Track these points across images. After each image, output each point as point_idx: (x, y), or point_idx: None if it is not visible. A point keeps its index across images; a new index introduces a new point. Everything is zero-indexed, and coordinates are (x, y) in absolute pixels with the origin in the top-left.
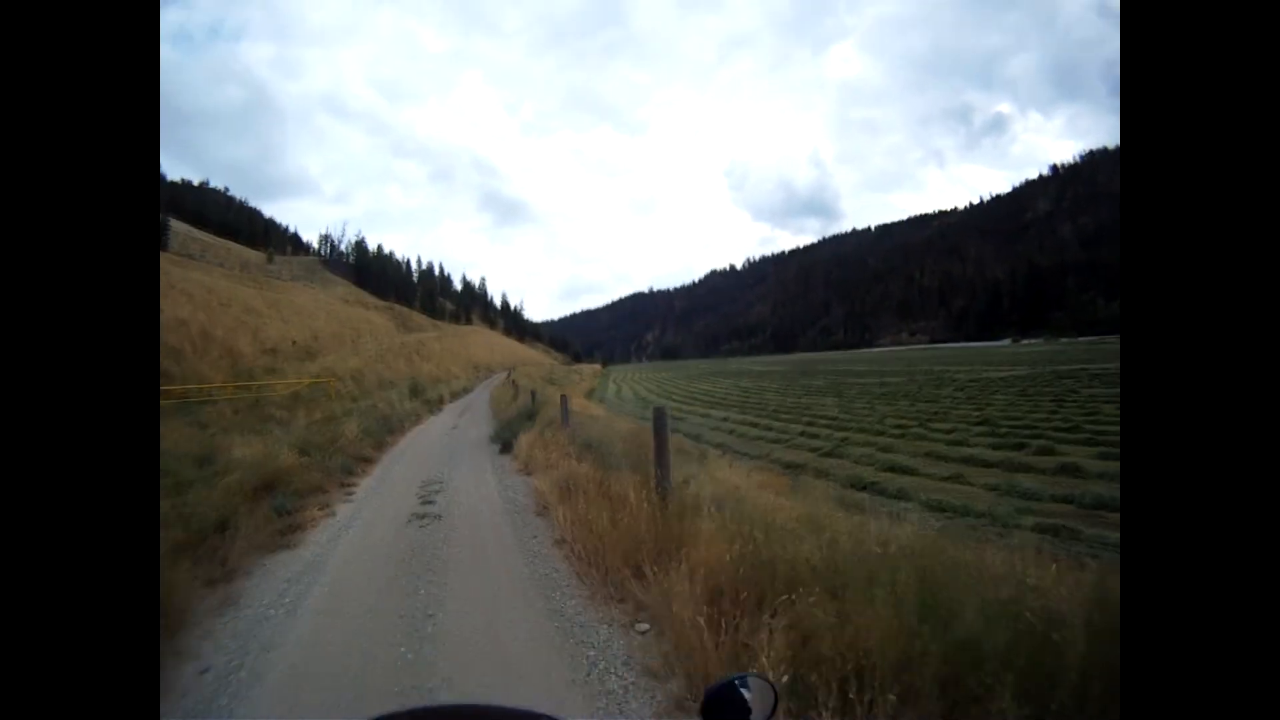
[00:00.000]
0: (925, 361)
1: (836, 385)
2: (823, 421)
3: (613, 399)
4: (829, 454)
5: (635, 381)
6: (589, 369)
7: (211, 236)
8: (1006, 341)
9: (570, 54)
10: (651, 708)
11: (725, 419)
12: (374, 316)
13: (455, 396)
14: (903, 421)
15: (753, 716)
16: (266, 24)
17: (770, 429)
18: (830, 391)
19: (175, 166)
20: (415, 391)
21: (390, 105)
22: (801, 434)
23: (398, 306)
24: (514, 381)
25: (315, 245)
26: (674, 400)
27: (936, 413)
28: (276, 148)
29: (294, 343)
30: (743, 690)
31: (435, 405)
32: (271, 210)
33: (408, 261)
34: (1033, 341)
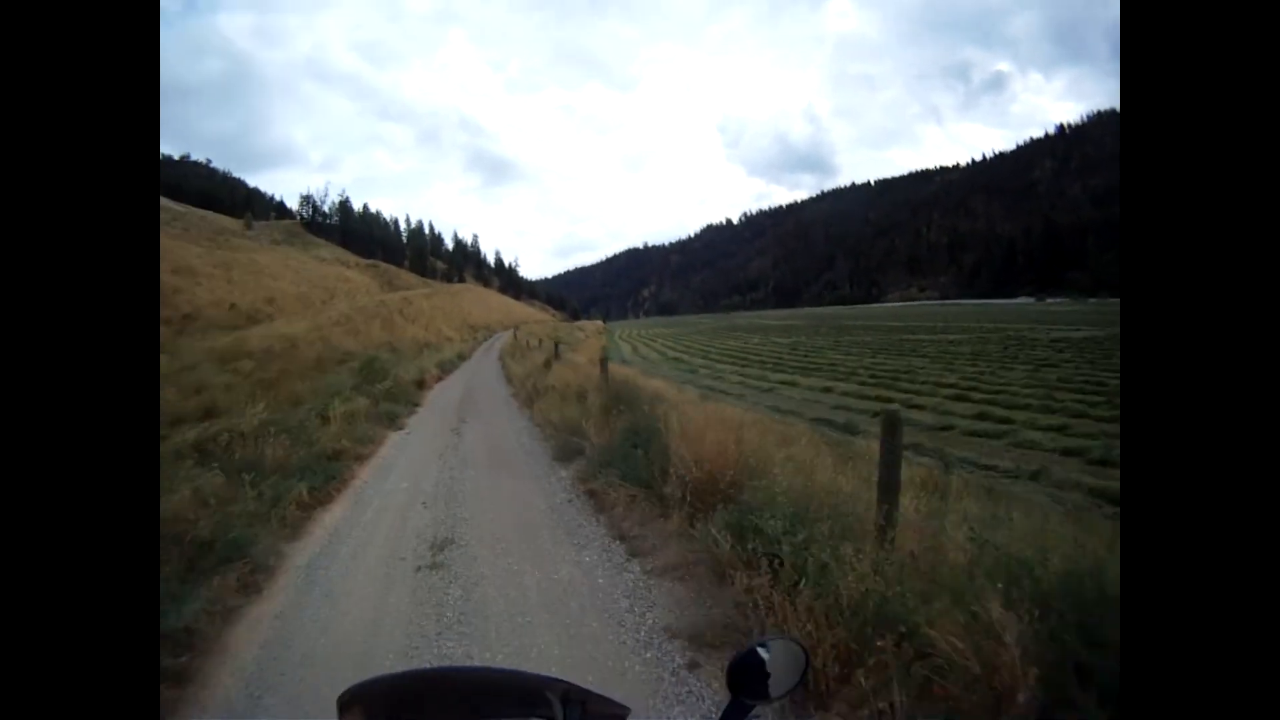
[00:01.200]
0: (959, 318)
1: (900, 344)
2: (982, 397)
3: (639, 360)
4: None
5: (648, 339)
6: (591, 326)
7: (185, 206)
8: (1028, 300)
9: (556, 10)
10: None
11: (827, 390)
12: (354, 275)
13: (447, 370)
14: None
15: (771, 679)
16: None
17: (933, 409)
18: (901, 350)
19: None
20: (371, 376)
21: (374, 68)
22: (1006, 421)
23: (384, 265)
24: (600, 360)
25: (298, 209)
26: (714, 360)
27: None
28: (261, 118)
29: (232, 307)
30: (761, 651)
31: (405, 405)
32: (259, 181)
33: (396, 221)
34: (1059, 300)
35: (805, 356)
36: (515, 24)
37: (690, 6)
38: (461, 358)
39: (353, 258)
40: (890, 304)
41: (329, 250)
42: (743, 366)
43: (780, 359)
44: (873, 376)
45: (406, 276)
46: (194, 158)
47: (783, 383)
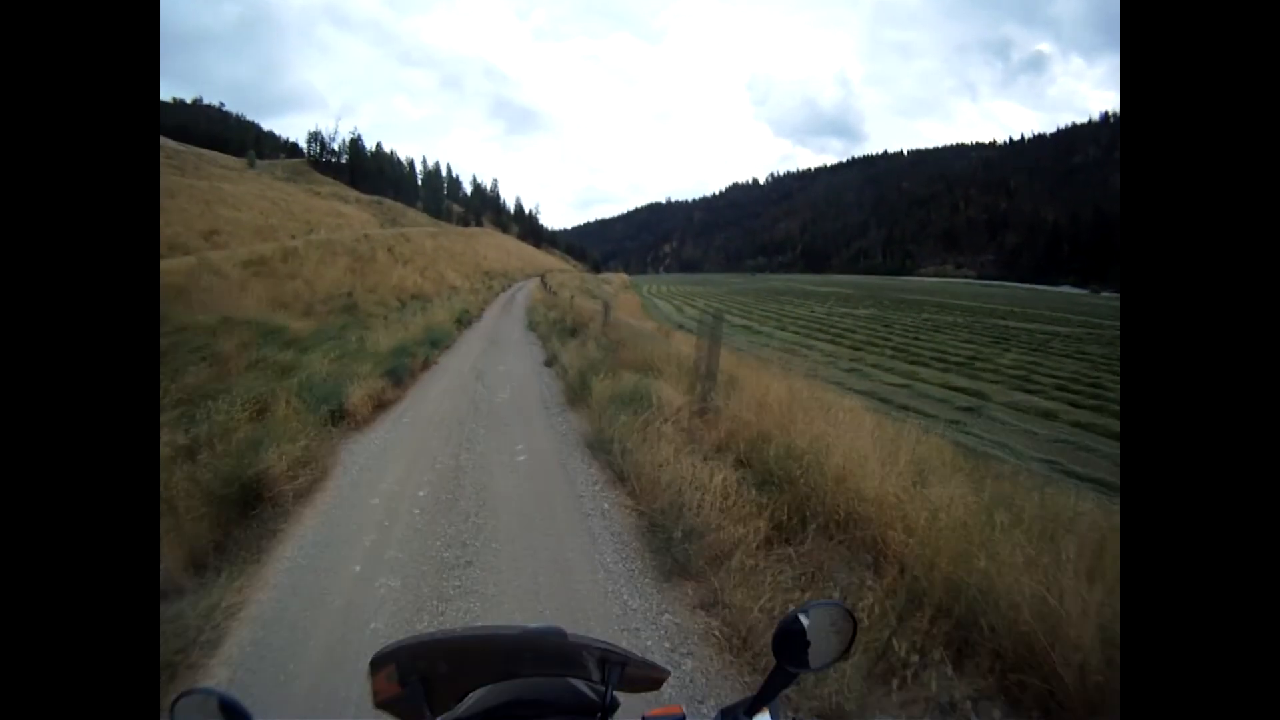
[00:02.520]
0: (1025, 303)
1: (1004, 330)
2: None
3: (696, 326)
4: None
5: (685, 297)
6: (617, 279)
7: (185, 145)
8: (1079, 290)
9: None
10: None
11: (1049, 417)
12: (351, 210)
13: (407, 375)
14: None
15: (813, 648)
16: None
17: None
18: (1022, 341)
19: (169, 87)
20: None
21: (395, 13)
22: None
23: (389, 202)
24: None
25: (306, 147)
26: (798, 333)
27: None
28: (279, 63)
29: None
30: (802, 618)
31: None
32: (277, 126)
33: (411, 162)
34: (1114, 295)
35: (915, 339)
36: None
37: None
38: (464, 321)
39: (354, 193)
40: (925, 279)
41: (331, 187)
42: (853, 348)
43: (888, 339)
44: (1064, 390)
45: (416, 217)
46: (206, 101)
47: (957, 390)
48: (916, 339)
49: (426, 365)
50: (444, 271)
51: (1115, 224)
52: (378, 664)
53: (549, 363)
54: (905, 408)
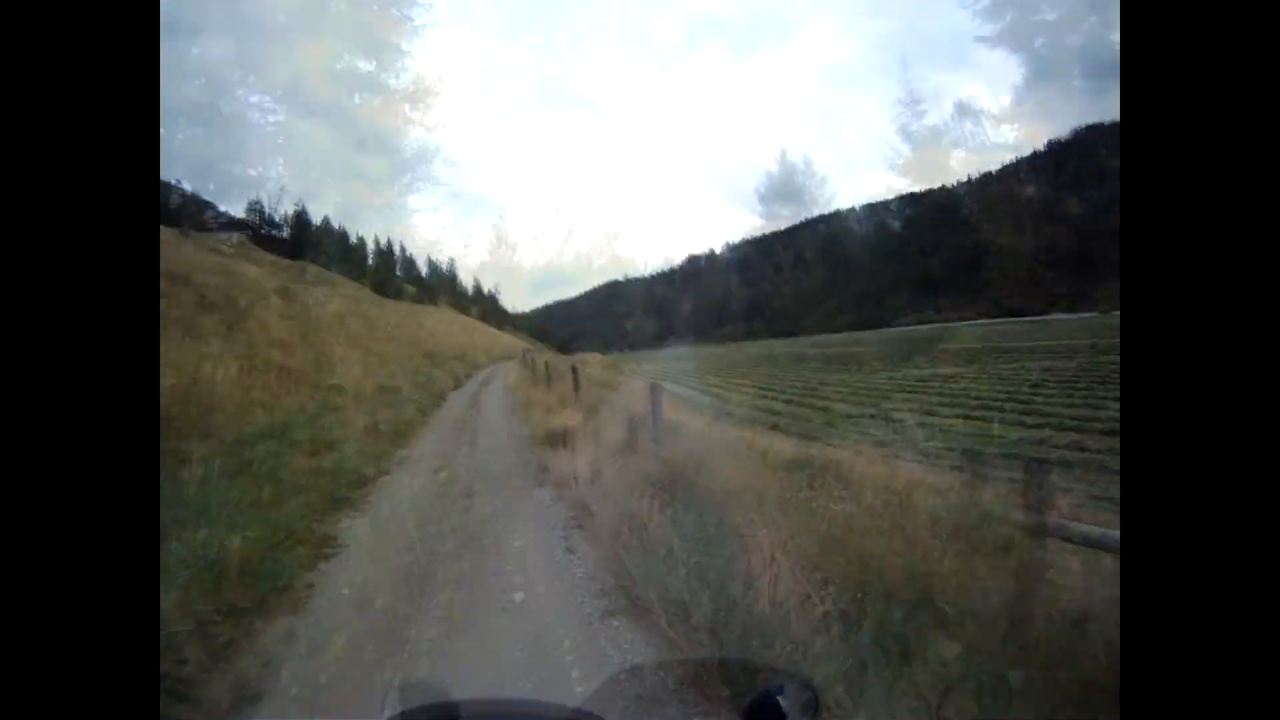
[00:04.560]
0: (1064, 336)
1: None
2: None
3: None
4: None
5: (697, 376)
6: (595, 359)
7: None
8: (1079, 315)
9: (537, 41)
10: None
11: None
12: (252, 270)
13: None
14: None
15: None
16: (224, 20)
17: None
18: None
19: None
20: None
21: (353, 99)
22: None
23: (316, 269)
24: None
25: (245, 218)
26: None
27: None
28: (238, 145)
29: None
30: (779, 697)
31: None
32: (233, 207)
33: (362, 239)
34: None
35: None
36: (497, 55)
37: (669, 38)
38: None
39: (270, 257)
40: (906, 328)
41: (241, 251)
42: None
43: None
44: None
45: (351, 287)
46: (163, 179)
47: None
48: None
49: None
50: (333, 352)
51: (1098, 247)
52: None
53: None
54: None
